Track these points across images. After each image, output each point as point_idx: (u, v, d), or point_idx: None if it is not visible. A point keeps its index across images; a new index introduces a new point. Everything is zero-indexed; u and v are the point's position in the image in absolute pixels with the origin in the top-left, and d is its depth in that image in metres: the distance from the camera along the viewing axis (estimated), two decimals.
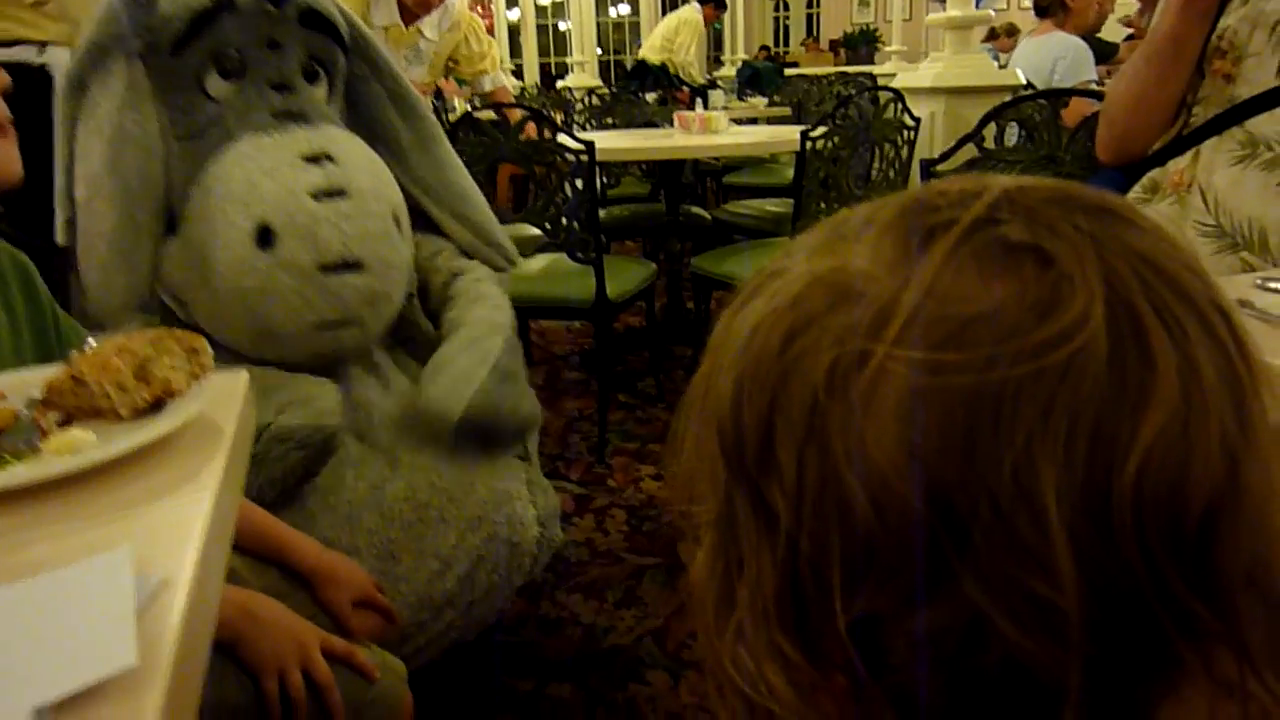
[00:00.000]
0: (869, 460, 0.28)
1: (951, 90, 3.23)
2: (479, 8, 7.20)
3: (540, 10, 10.14)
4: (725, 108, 4.15)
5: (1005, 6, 9.81)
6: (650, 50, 6.78)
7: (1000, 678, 0.28)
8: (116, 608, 0.40)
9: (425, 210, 1.46)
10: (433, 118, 1.49)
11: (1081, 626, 0.26)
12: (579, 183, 2.14)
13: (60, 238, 1.21)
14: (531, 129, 2.18)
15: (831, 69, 7.89)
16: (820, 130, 2.30)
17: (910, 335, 0.28)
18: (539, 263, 2.41)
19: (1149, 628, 0.27)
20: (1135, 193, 1.39)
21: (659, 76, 4.60)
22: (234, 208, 1.16)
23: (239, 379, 0.70)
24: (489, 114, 2.34)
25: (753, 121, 4.48)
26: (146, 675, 0.37)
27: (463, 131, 2.18)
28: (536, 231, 2.22)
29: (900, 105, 2.57)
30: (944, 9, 3.47)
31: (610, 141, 2.84)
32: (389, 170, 1.33)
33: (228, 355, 1.23)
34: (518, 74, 8.41)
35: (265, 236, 1.16)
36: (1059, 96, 1.85)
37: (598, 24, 9.34)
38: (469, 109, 2.66)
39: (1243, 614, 0.28)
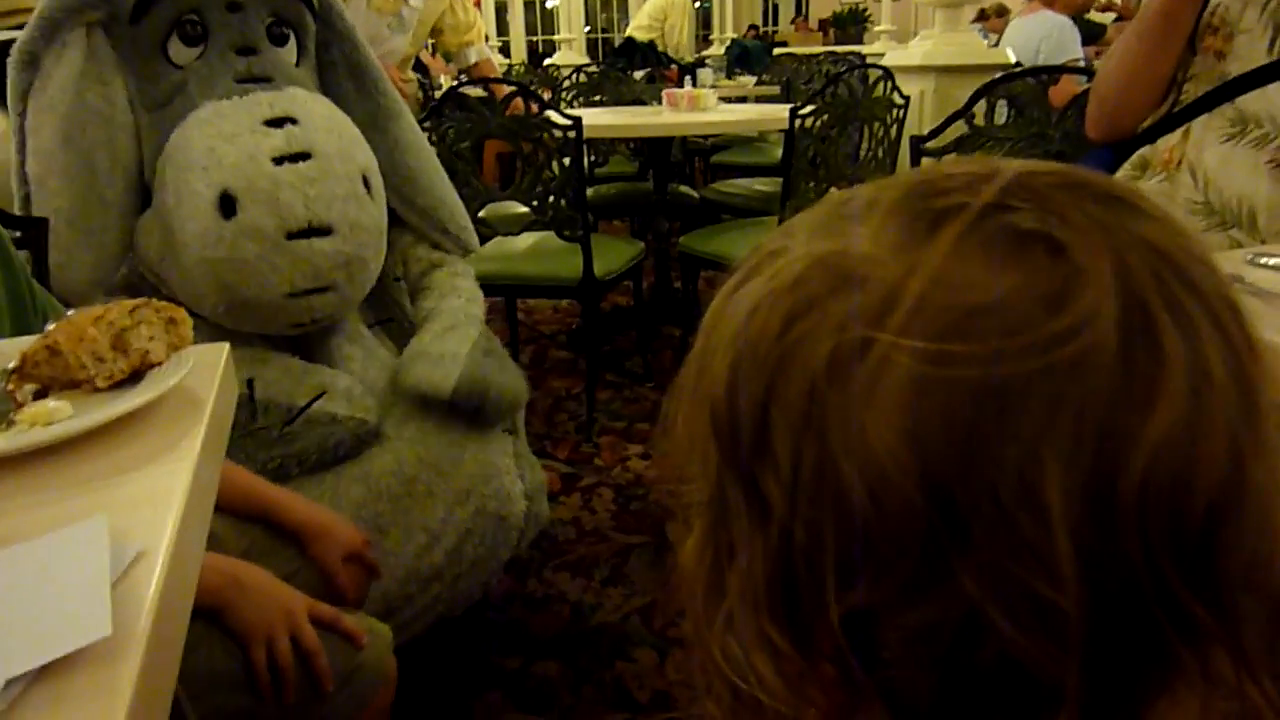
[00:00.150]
0: (868, 451, 0.28)
1: (941, 69, 3.22)
2: None
3: None
4: (714, 86, 4.13)
5: None
6: (638, 28, 6.74)
7: (994, 675, 0.28)
8: (91, 577, 0.39)
9: None
10: (395, 94, 1.45)
11: (1081, 625, 0.26)
12: (566, 160, 2.12)
13: (17, 211, 1.18)
14: (519, 105, 2.16)
15: (820, 48, 7.85)
16: (809, 108, 2.28)
17: (915, 324, 0.27)
18: (526, 240, 2.39)
19: (1147, 627, 0.27)
20: (1125, 170, 1.38)
21: (647, 54, 4.58)
22: (195, 176, 1.14)
23: (220, 351, 0.69)
24: (478, 91, 2.31)
25: (741, 100, 4.45)
26: (122, 645, 0.37)
27: (449, 108, 2.16)
28: (524, 209, 2.20)
29: (890, 83, 2.56)
30: None
31: (598, 118, 2.81)
32: (358, 131, 1.29)
33: (213, 330, 1.21)
34: (504, 52, 8.33)
35: (228, 204, 1.13)
36: (1049, 74, 1.85)
37: (585, 1, 9.25)
38: (455, 85, 2.63)
39: (1241, 615, 0.27)
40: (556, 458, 2.20)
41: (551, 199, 2.15)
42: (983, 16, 6.52)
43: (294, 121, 1.18)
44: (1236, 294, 0.29)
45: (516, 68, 6.66)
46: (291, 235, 1.15)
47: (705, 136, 4.13)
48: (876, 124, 2.50)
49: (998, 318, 0.27)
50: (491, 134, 2.18)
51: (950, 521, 0.27)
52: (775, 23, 12.49)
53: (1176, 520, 0.26)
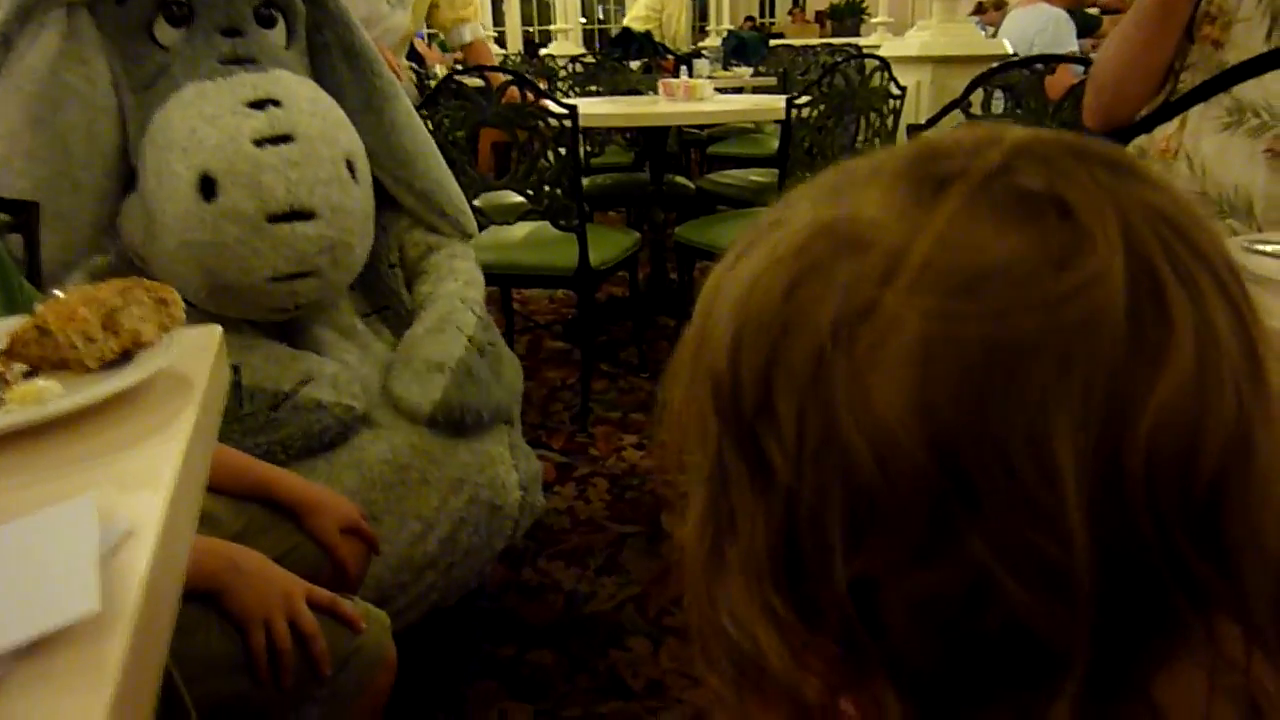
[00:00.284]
0: (875, 413, 0.27)
1: (938, 59, 3.21)
2: None
3: None
4: (710, 77, 4.12)
5: None
6: (635, 19, 6.72)
7: (999, 643, 0.28)
8: (79, 554, 0.39)
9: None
10: (390, 76, 1.43)
11: (1089, 587, 0.26)
12: (562, 149, 2.12)
13: None
14: (514, 93, 2.15)
15: (817, 40, 7.84)
16: (805, 98, 2.28)
17: (922, 283, 0.27)
18: (521, 230, 2.38)
19: (1155, 591, 0.27)
20: None
21: (644, 44, 4.56)
22: (176, 157, 1.13)
23: (212, 332, 0.68)
24: (474, 80, 2.30)
25: (738, 91, 4.44)
26: (110, 622, 0.36)
27: (444, 96, 2.15)
28: (519, 198, 2.19)
29: (886, 74, 2.55)
30: None
31: (594, 107, 2.80)
32: (343, 114, 1.27)
33: (199, 315, 1.21)
34: (500, 42, 8.31)
35: (208, 186, 1.12)
36: (1046, 64, 1.84)
37: None
38: (451, 73, 2.61)
39: (1247, 579, 0.27)
40: (551, 447, 2.20)
41: (547, 188, 2.14)
42: (980, 10, 6.52)
43: (276, 104, 1.17)
44: (1237, 261, 0.29)
45: (512, 58, 6.64)
46: (273, 218, 1.14)
47: (701, 127, 4.13)
48: (873, 114, 2.49)
49: (1005, 278, 0.26)
50: (487, 122, 2.17)
51: (958, 484, 0.26)
52: (772, 14, 12.46)
53: (1184, 479, 0.26)
